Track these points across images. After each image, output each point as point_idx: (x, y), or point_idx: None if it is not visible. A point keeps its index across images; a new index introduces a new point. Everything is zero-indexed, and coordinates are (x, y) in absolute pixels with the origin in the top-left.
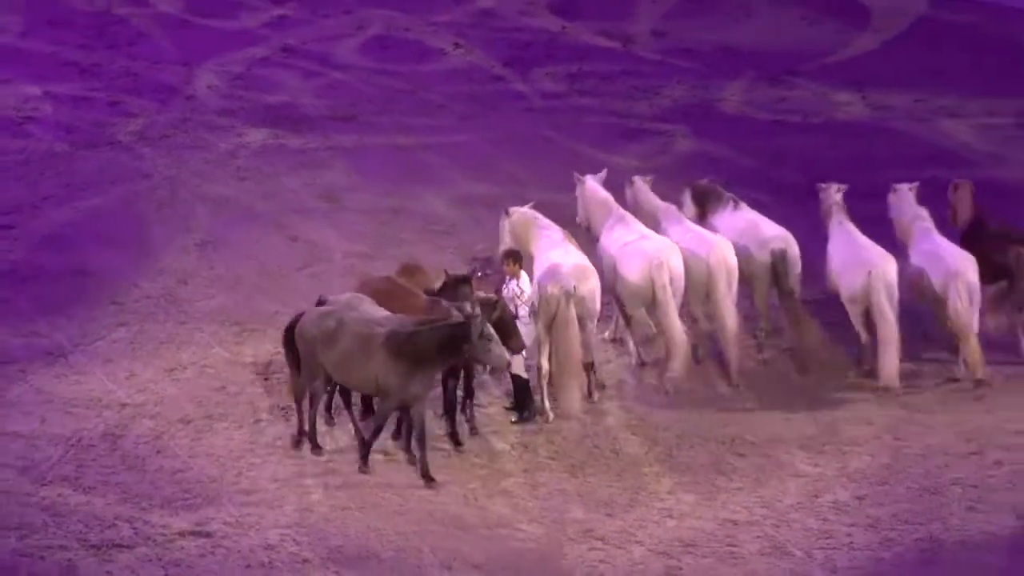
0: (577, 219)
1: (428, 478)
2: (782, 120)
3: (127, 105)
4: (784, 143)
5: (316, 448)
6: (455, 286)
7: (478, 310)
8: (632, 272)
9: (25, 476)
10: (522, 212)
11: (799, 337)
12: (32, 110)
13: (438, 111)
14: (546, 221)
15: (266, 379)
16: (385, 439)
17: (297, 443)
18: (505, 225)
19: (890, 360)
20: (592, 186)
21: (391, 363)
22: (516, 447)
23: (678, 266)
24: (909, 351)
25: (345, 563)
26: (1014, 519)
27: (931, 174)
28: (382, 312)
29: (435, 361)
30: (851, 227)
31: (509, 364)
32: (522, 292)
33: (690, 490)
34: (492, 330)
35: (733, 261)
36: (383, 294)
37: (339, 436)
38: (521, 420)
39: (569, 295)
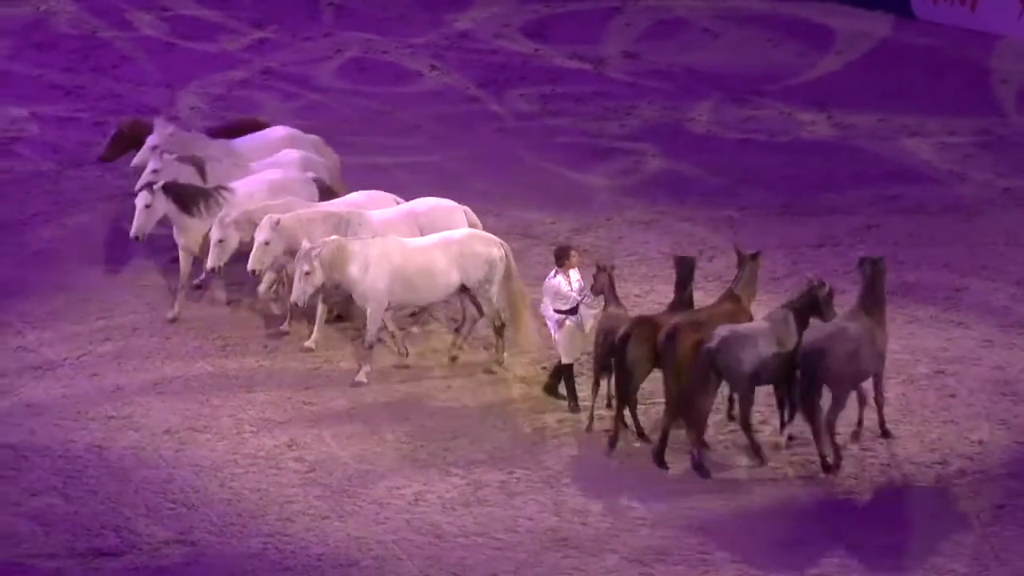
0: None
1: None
2: (748, 139)
3: (111, 126)
4: (751, 162)
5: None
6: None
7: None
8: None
9: (14, 486)
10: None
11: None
12: (19, 131)
13: (413, 131)
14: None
15: (248, 392)
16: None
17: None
18: (276, 237)
19: None
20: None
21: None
22: (493, 456)
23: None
24: None
25: (326, 571)
26: (977, 527)
27: (896, 191)
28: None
29: None
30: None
31: None
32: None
33: (662, 499)
34: None
35: None
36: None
37: (316, 447)
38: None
39: (507, 250)
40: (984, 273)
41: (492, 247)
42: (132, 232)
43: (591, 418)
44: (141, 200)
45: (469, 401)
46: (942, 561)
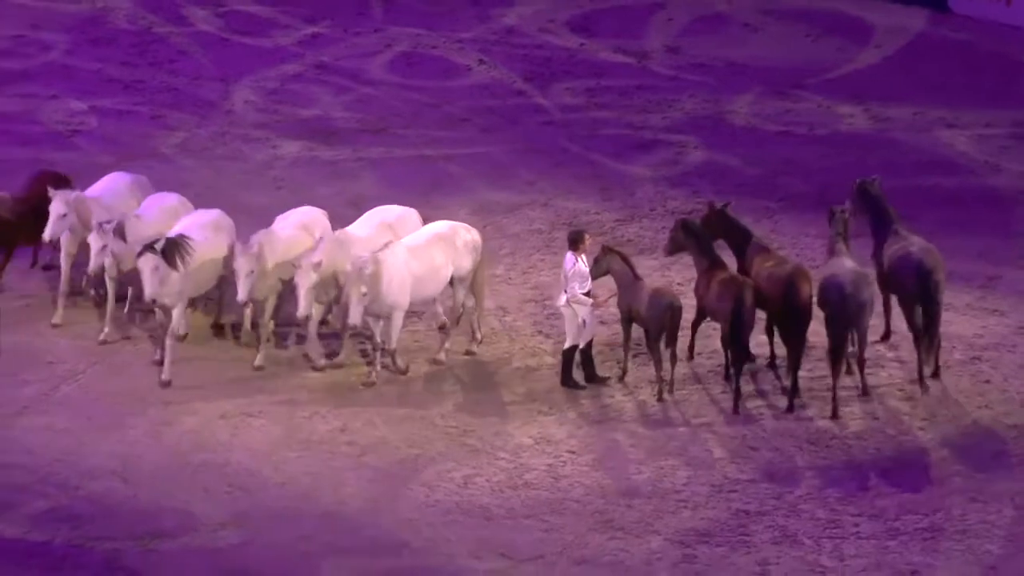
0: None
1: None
2: (788, 131)
3: (168, 119)
4: (790, 153)
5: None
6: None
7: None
8: None
9: (74, 470)
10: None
11: None
12: (79, 124)
13: (462, 124)
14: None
15: (301, 378)
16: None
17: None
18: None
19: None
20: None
21: None
22: (539, 441)
23: None
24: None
25: (379, 552)
26: (1012, 509)
27: (932, 182)
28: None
29: None
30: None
31: None
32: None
33: (705, 482)
34: None
35: None
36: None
37: (367, 432)
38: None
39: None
40: (1019, 262)
41: (475, 234)
42: (148, 295)
43: (670, 388)
44: (149, 263)
45: (515, 388)
46: (978, 542)
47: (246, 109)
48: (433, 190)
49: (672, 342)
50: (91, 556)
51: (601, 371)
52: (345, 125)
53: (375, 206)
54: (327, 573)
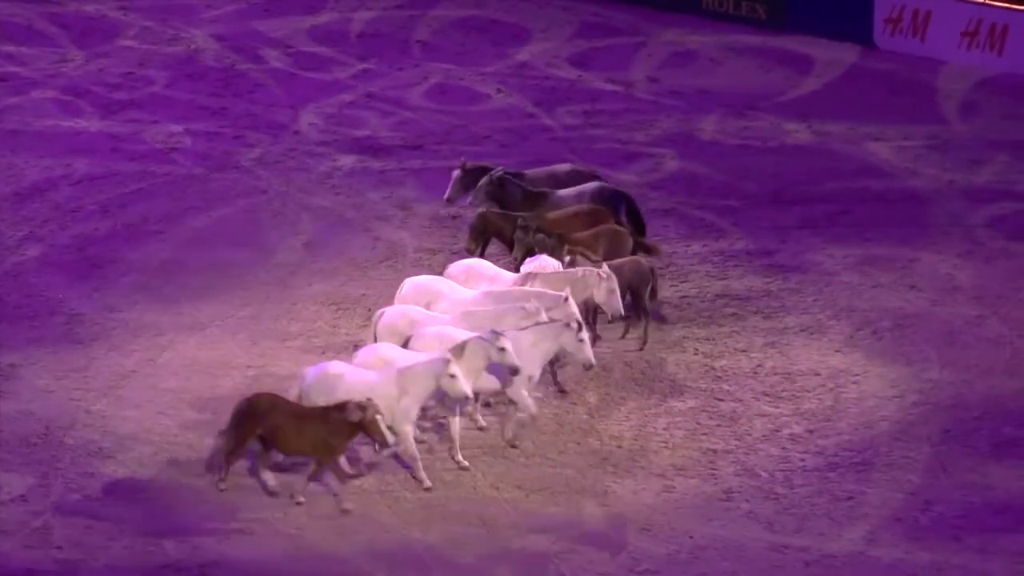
0: None
1: None
2: (746, 144)
3: (248, 138)
4: (748, 162)
5: None
6: None
7: None
8: None
9: (173, 422)
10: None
11: None
12: (176, 143)
13: (484, 140)
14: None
15: (356, 346)
16: None
17: None
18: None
19: None
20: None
21: None
22: (547, 395)
23: None
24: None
25: (419, 487)
26: (928, 446)
27: (862, 184)
28: None
29: None
30: None
31: None
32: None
33: (680, 427)
34: None
35: None
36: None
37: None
38: None
39: None
40: (933, 248)
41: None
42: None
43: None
44: None
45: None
46: (901, 473)
47: (310, 130)
48: None
49: (653, 297)
50: (184, 494)
51: None
52: (390, 142)
53: (417, 207)
54: (380, 506)
